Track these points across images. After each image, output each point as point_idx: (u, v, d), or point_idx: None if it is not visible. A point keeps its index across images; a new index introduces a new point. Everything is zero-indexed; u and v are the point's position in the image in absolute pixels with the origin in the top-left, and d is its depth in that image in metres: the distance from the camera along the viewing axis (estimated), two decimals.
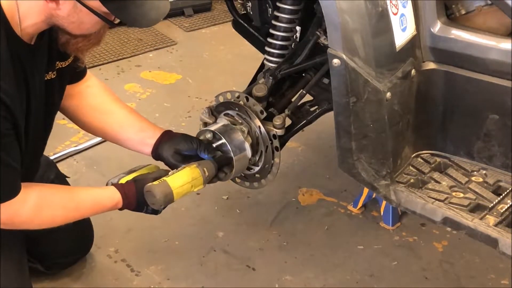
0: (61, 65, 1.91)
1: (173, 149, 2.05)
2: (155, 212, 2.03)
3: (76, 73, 2.06)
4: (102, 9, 1.64)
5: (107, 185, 2.02)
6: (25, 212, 1.80)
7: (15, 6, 1.66)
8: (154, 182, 1.93)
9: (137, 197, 1.96)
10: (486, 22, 1.97)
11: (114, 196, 1.95)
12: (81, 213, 1.95)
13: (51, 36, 1.78)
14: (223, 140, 2.06)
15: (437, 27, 1.97)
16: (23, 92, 1.75)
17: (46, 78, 1.86)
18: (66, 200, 1.90)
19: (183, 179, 1.95)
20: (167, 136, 2.10)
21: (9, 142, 1.71)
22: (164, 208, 2.02)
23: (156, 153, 2.10)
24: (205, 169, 1.99)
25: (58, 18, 1.68)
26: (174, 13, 4.51)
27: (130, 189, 1.96)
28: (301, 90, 2.18)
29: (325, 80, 2.16)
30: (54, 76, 1.89)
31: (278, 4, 2.12)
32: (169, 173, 1.98)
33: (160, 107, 3.49)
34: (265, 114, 2.09)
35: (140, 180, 1.97)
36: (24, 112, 1.77)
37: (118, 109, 2.16)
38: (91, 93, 2.12)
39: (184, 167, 1.98)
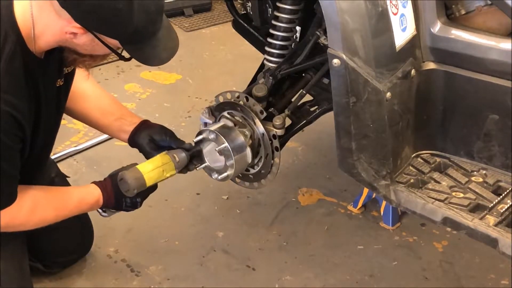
0: (67, 70, 1.95)
1: (149, 137, 2.12)
2: (134, 205, 2.08)
3: None
4: (118, 45, 1.70)
5: None
6: (21, 216, 1.88)
7: (31, 24, 1.69)
8: (125, 170, 2.00)
9: (114, 190, 2.02)
10: (486, 22, 1.97)
11: (94, 192, 2.03)
12: (68, 211, 2.01)
13: (60, 49, 1.81)
14: (224, 141, 2.06)
15: (437, 27, 1.97)
16: (33, 104, 1.80)
17: (56, 86, 1.91)
18: (55, 201, 1.98)
19: (153, 164, 2.02)
20: (144, 125, 2.16)
21: (15, 154, 1.79)
22: (142, 200, 2.09)
23: (133, 140, 2.16)
24: (175, 155, 2.05)
25: (71, 44, 1.72)
26: (174, 13, 4.51)
27: (107, 184, 2.04)
28: (301, 90, 2.18)
29: (325, 80, 2.16)
30: (62, 83, 1.94)
31: (278, 4, 2.12)
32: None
33: (160, 107, 3.49)
34: (265, 114, 2.09)
35: (114, 174, 2.04)
36: (32, 123, 1.82)
37: (99, 96, 2.23)
38: (74, 79, 2.12)
39: (155, 156, 2.06)
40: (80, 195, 2.03)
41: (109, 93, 2.29)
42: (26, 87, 1.74)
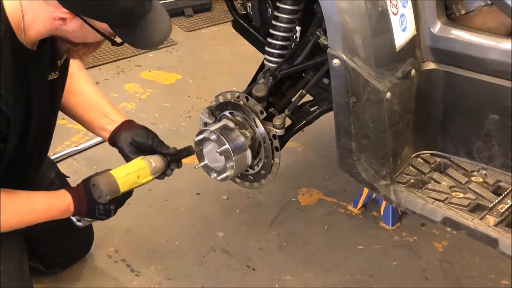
0: (60, 62, 1.92)
1: (130, 139, 2.05)
2: (108, 213, 2.00)
3: None
4: (108, 29, 1.68)
5: None
6: None
7: (20, 15, 1.68)
8: (98, 176, 1.93)
9: (86, 196, 1.94)
10: (486, 22, 1.97)
11: (65, 198, 1.95)
12: (35, 217, 1.92)
13: (53, 41, 1.80)
14: (225, 142, 2.05)
15: (437, 27, 1.97)
16: (23, 98, 1.77)
17: (49, 79, 1.89)
18: (19, 205, 1.89)
19: (127, 169, 1.95)
20: (126, 126, 2.09)
21: None
22: (116, 208, 2.00)
23: (113, 141, 2.10)
24: (151, 160, 1.98)
25: (62, 32, 1.71)
26: (174, 13, 4.50)
27: (79, 190, 1.96)
28: (301, 90, 2.18)
29: (325, 80, 2.16)
30: (56, 76, 1.91)
31: (278, 4, 2.12)
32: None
33: (160, 107, 3.49)
34: (265, 114, 2.09)
35: (87, 180, 1.96)
36: (23, 118, 1.79)
37: (87, 91, 2.16)
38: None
39: (131, 161, 1.99)
40: (48, 201, 1.94)
41: (98, 90, 2.22)
42: (15, 79, 1.71)
